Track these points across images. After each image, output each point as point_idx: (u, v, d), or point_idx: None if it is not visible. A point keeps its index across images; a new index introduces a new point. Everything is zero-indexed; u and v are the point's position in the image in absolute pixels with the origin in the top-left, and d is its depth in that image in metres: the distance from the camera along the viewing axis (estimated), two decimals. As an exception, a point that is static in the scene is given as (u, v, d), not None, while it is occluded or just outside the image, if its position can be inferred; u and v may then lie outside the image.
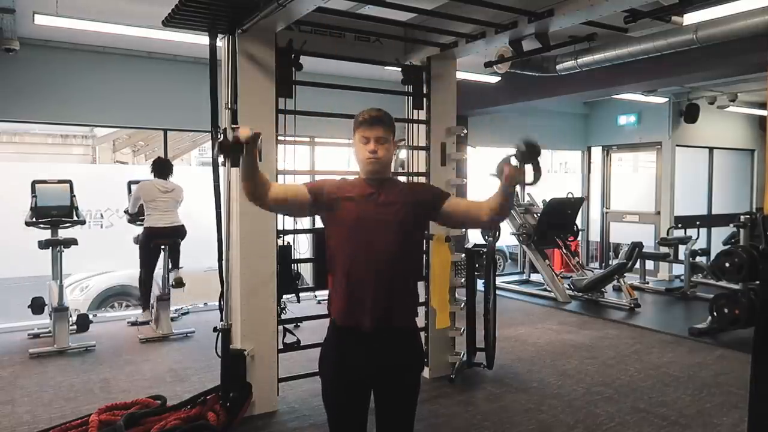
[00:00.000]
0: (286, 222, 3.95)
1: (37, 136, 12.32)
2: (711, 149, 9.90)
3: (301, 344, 3.96)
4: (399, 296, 2.03)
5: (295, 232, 4.25)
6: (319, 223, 7.58)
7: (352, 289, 1.99)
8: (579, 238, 8.96)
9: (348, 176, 2.26)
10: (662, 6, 3.72)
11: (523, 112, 8.93)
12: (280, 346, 3.87)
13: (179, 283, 5.78)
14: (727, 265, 5.39)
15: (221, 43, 3.68)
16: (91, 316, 5.70)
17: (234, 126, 1.95)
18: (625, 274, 7.13)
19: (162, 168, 5.83)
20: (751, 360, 2.61)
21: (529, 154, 1.81)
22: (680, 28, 4.77)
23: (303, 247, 4.94)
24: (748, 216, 5.69)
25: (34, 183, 5.44)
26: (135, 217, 5.85)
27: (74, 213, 5.51)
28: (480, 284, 4.65)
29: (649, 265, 8.55)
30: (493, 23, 3.70)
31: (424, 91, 4.36)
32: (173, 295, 5.83)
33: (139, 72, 6.36)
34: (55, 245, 5.32)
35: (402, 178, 7.21)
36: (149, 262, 5.82)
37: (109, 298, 7.00)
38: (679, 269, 8.12)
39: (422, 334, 4.03)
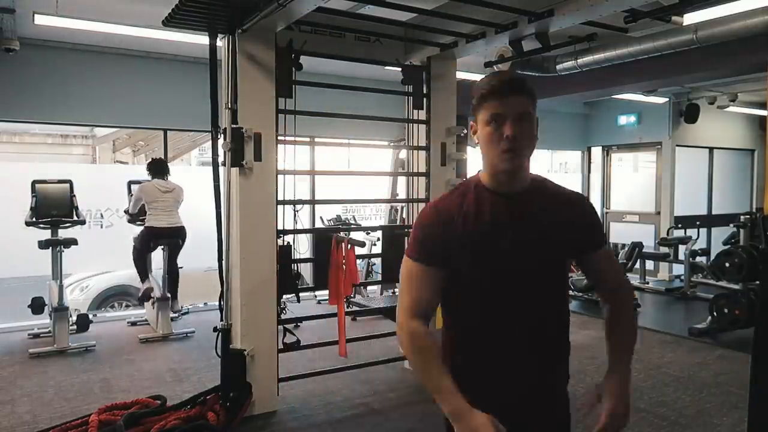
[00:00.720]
0: (286, 222, 3.96)
1: (37, 136, 12.31)
2: (711, 149, 9.89)
3: (301, 344, 3.97)
4: (553, 367, 1.52)
5: (295, 232, 4.25)
6: (318, 223, 7.57)
7: (490, 366, 1.46)
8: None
9: (460, 185, 1.51)
10: (662, 6, 3.72)
11: (523, 112, 8.91)
12: (280, 346, 3.87)
13: (177, 311, 5.92)
14: (727, 265, 5.39)
15: (221, 43, 3.68)
16: (91, 316, 5.70)
17: None
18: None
19: (160, 168, 5.83)
20: (751, 360, 2.62)
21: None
22: (680, 28, 4.77)
23: (303, 247, 4.95)
24: (748, 216, 5.69)
25: (34, 183, 5.44)
26: (135, 217, 5.85)
27: (74, 213, 5.51)
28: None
29: (649, 265, 8.55)
30: (493, 23, 3.70)
31: (424, 91, 4.35)
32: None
33: (139, 72, 6.36)
34: (55, 245, 5.32)
35: (401, 180, 7.31)
36: (143, 249, 5.79)
37: (109, 298, 7.00)
38: (679, 269, 8.11)
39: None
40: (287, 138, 3.84)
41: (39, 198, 5.40)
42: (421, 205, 4.44)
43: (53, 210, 5.41)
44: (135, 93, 6.34)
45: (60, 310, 5.08)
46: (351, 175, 7.24)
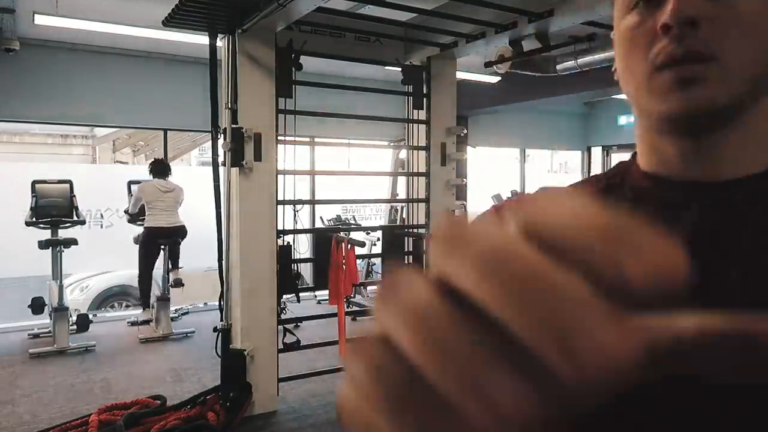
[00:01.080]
0: (286, 222, 3.96)
1: (37, 136, 12.32)
2: (711, 149, 9.89)
3: (301, 344, 3.97)
4: None
5: (295, 232, 4.25)
6: (318, 223, 7.60)
7: None
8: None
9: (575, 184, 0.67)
10: (662, 6, 3.72)
11: (523, 112, 8.93)
12: (280, 346, 3.88)
13: (178, 284, 5.77)
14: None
15: (221, 43, 3.68)
16: (91, 316, 5.69)
17: None
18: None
19: (161, 169, 5.84)
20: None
21: None
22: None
23: (303, 247, 4.95)
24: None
25: (34, 183, 5.44)
26: (135, 217, 5.86)
27: (74, 213, 5.51)
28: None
29: (649, 265, 8.53)
30: (493, 23, 3.70)
31: (424, 91, 4.35)
32: (173, 295, 5.83)
33: (139, 72, 6.36)
34: (55, 245, 5.32)
35: (401, 180, 7.32)
36: (148, 261, 5.82)
37: (109, 298, 6.99)
38: (679, 269, 8.11)
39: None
40: (287, 138, 3.84)
41: (39, 198, 5.40)
42: (422, 206, 4.43)
43: (53, 210, 5.41)
44: (135, 93, 6.34)
45: (60, 310, 5.08)
46: (351, 175, 7.25)
